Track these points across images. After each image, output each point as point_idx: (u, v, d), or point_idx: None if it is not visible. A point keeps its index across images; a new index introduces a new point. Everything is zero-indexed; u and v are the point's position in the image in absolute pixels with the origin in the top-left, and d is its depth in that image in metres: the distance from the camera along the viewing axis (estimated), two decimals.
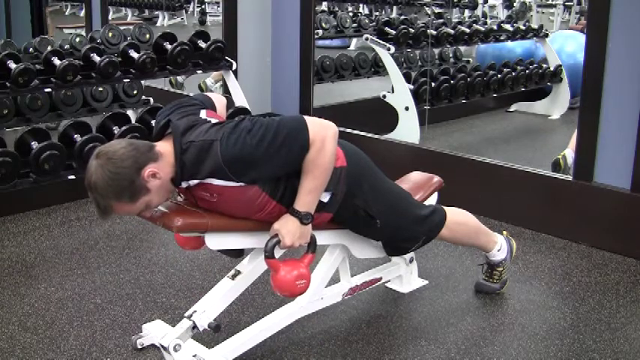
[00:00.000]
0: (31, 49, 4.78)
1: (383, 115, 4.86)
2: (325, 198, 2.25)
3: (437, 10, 6.94)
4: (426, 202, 2.70)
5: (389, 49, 4.89)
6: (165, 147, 2.08)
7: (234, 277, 2.29)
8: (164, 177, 2.05)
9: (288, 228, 2.12)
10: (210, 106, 2.33)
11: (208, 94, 2.51)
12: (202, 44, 4.35)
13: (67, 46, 4.78)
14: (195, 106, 2.24)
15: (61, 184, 3.74)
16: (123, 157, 1.99)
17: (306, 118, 2.10)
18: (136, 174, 1.99)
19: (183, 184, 2.10)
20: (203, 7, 9.32)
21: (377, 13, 8.46)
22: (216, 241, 2.20)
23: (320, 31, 5.09)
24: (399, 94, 4.86)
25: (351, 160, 2.34)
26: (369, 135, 4.37)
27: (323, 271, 2.52)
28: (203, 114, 2.20)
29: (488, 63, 5.93)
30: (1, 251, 3.23)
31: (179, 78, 6.01)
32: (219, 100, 2.43)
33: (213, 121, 2.17)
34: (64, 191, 3.81)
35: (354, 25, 5.36)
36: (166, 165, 2.05)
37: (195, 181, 2.08)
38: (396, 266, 2.83)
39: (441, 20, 6.25)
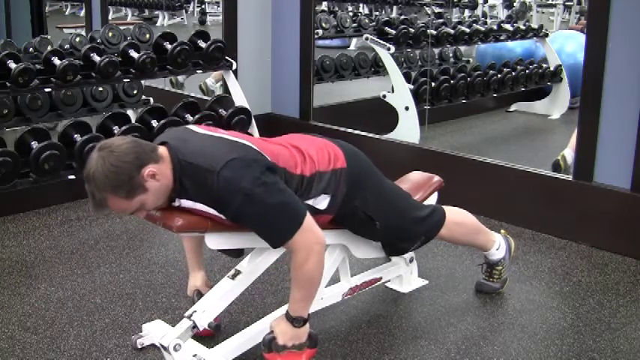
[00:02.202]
0: (31, 49, 4.77)
1: (383, 115, 4.86)
2: (325, 200, 2.25)
3: (437, 10, 6.95)
4: (426, 202, 2.70)
5: (389, 49, 4.89)
6: (166, 153, 2.08)
7: (234, 277, 2.29)
8: (162, 180, 2.04)
9: (281, 328, 2.14)
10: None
11: None
12: (202, 44, 4.35)
13: (67, 46, 4.77)
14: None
15: (61, 184, 3.74)
16: (126, 152, 1.99)
17: (305, 219, 2.05)
18: (136, 171, 1.99)
19: (176, 203, 2.12)
20: (203, 7, 9.33)
21: (377, 13, 8.47)
22: (216, 241, 2.20)
23: (320, 31, 5.09)
24: (399, 94, 4.86)
25: (351, 161, 2.34)
26: (369, 135, 4.37)
27: (323, 271, 2.52)
28: (191, 127, 2.25)
29: (488, 63, 5.93)
30: (1, 251, 3.23)
31: (180, 78, 6.01)
32: None
33: (213, 134, 2.19)
34: (64, 191, 3.81)
35: (354, 25, 5.36)
36: (165, 169, 2.05)
37: (189, 203, 2.10)
38: (396, 266, 2.83)
39: (441, 20, 6.25)
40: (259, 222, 2.05)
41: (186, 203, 2.11)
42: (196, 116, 4.11)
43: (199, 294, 2.43)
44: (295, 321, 2.13)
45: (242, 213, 2.02)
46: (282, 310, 2.41)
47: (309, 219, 2.06)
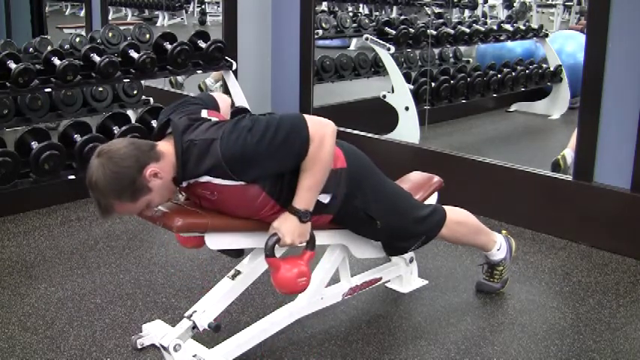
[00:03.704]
0: (31, 49, 4.78)
1: (383, 115, 4.86)
2: (325, 200, 2.25)
3: (437, 10, 6.95)
4: (426, 202, 2.70)
5: (389, 49, 4.89)
6: (166, 146, 2.08)
7: (234, 277, 2.29)
8: (165, 177, 2.05)
9: (287, 226, 2.12)
10: (213, 105, 2.32)
11: (213, 93, 2.51)
12: (202, 44, 4.35)
13: (67, 46, 4.78)
14: (197, 106, 2.24)
15: (61, 184, 3.74)
16: (124, 157, 1.99)
17: (305, 116, 2.11)
18: (138, 173, 1.99)
19: (184, 183, 2.10)
20: (203, 7, 9.34)
21: (377, 13, 8.47)
22: (216, 241, 2.20)
23: (320, 31, 5.09)
24: (399, 94, 4.87)
25: (351, 161, 2.34)
26: (369, 135, 4.37)
27: (323, 271, 2.52)
28: (204, 113, 2.20)
29: (489, 63, 5.93)
30: (1, 251, 3.23)
31: (179, 78, 6.02)
32: (223, 100, 2.43)
33: (214, 119, 2.17)
34: (64, 191, 3.81)
35: (354, 25, 5.36)
36: (167, 164, 2.05)
37: (193, 180, 2.08)
38: (396, 266, 2.83)
39: (441, 20, 6.25)
40: (275, 144, 2.03)
41: (194, 181, 2.09)
42: None
43: None
44: (303, 215, 2.11)
45: (255, 149, 2.01)
46: (282, 312, 2.43)
47: (308, 118, 2.09)
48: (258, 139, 2.02)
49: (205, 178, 2.06)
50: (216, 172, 2.04)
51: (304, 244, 2.19)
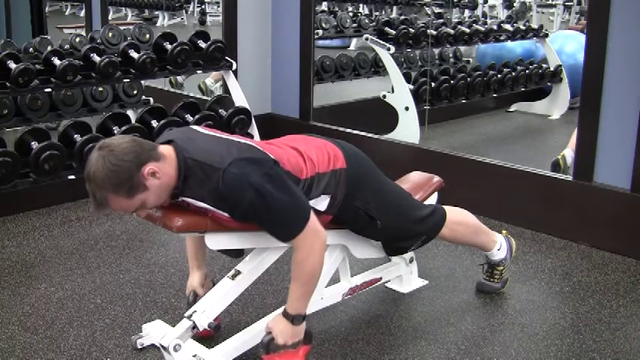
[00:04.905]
0: (31, 49, 4.77)
1: (383, 115, 4.86)
2: (325, 200, 2.25)
3: (437, 10, 6.94)
4: (426, 202, 2.70)
5: (389, 49, 4.89)
6: (167, 150, 2.09)
7: (234, 277, 2.29)
8: (163, 178, 2.05)
9: (280, 328, 2.15)
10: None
11: None
12: (202, 44, 4.35)
13: (67, 46, 4.77)
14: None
15: (61, 184, 3.74)
16: (125, 151, 1.99)
17: (311, 216, 2.09)
18: (136, 170, 1.99)
19: (179, 200, 2.13)
20: (203, 7, 9.32)
21: (377, 13, 8.46)
22: (216, 241, 2.21)
23: (320, 31, 5.09)
24: (399, 94, 4.87)
25: (351, 161, 2.34)
26: (369, 135, 4.37)
27: (323, 271, 2.51)
28: (195, 127, 2.26)
29: (488, 63, 5.93)
30: (1, 251, 3.23)
31: (179, 78, 6.01)
32: None
33: (217, 134, 2.20)
34: (64, 191, 3.81)
35: (354, 25, 5.36)
36: (167, 167, 2.06)
37: (191, 200, 2.11)
38: (396, 266, 2.83)
39: (441, 20, 6.25)
40: (269, 218, 2.06)
41: (188, 201, 2.11)
42: (196, 116, 4.12)
43: (195, 295, 2.44)
44: (295, 319, 2.14)
45: (252, 210, 2.03)
46: (280, 310, 2.43)
47: (313, 217, 2.10)
48: (258, 205, 2.02)
49: (200, 204, 2.09)
50: (211, 201, 2.07)
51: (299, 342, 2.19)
